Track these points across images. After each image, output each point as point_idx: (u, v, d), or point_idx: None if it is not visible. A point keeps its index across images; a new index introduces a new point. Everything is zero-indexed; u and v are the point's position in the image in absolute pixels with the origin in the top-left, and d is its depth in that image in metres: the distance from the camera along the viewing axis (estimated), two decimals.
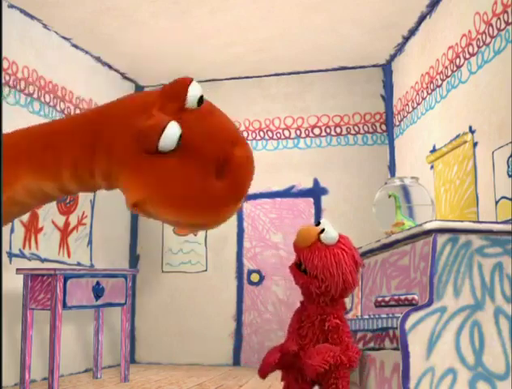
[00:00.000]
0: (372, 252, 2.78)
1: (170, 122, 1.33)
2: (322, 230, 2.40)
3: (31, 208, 1.79)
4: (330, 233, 2.40)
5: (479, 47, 3.55)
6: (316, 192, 5.59)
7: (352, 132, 5.61)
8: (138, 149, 1.35)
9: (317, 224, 2.49)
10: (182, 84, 1.44)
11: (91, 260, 5.16)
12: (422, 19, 4.57)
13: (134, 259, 5.89)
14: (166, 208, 1.37)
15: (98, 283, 4.15)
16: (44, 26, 4.64)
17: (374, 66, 5.62)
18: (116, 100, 1.63)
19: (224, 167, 1.33)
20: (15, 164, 1.62)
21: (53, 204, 4.63)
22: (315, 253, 2.36)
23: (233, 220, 5.68)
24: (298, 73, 5.78)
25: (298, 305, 2.53)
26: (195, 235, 5.74)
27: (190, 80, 1.47)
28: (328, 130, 5.66)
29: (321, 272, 2.33)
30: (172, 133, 1.32)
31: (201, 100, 1.48)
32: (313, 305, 2.41)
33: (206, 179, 1.33)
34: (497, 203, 3.21)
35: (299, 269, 2.43)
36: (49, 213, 4.56)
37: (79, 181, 1.52)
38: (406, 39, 5.00)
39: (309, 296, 2.42)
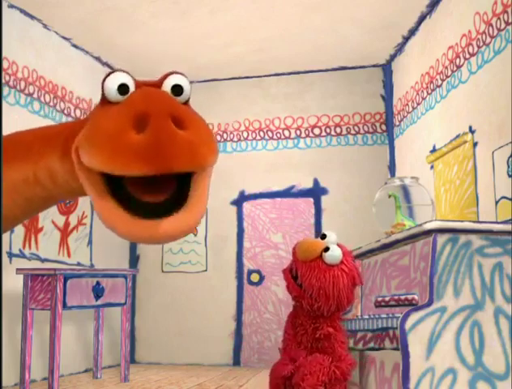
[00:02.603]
0: (372, 252, 2.78)
1: (121, 71, 1.38)
2: (327, 249, 2.33)
3: (51, 197, 1.77)
4: (334, 254, 2.31)
5: (479, 47, 3.55)
6: (316, 192, 5.59)
7: (352, 132, 5.61)
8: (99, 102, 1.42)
9: (323, 236, 2.42)
10: (166, 73, 1.46)
11: (91, 260, 5.16)
12: (422, 19, 4.57)
13: (134, 259, 5.89)
14: (84, 148, 1.37)
15: (98, 283, 4.15)
16: (44, 26, 4.64)
17: (374, 66, 5.62)
18: None
19: (147, 124, 1.29)
20: (44, 142, 1.68)
21: None
22: (314, 271, 2.28)
23: (233, 220, 5.69)
24: (298, 73, 5.78)
25: None
26: (195, 234, 5.74)
27: (174, 72, 1.47)
28: (328, 130, 5.66)
29: (316, 292, 2.27)
30: (113, 77, 1.38)
31: (178, 88, 1.45)
32: (306, 314, 2.37)
33: (121, 126, 1.29)
34: (497, 203, 3.21)
35: (294, 279, 2.38)
36: (49, 213, 4.56)
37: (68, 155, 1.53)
38: (406, 39, 5.00)
39: (301, 306, 2.38)
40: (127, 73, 1.39)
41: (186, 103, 1.48)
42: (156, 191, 1.33)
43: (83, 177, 1.43)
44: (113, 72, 1.38)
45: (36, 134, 1.82)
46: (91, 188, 1.40)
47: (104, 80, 1.38)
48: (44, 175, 1.65)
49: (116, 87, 1.38)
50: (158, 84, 1.44)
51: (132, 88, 1.39)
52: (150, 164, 1.24)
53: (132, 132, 1.27)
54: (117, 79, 1.38)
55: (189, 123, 1.32)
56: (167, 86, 1.43)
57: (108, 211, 1.34)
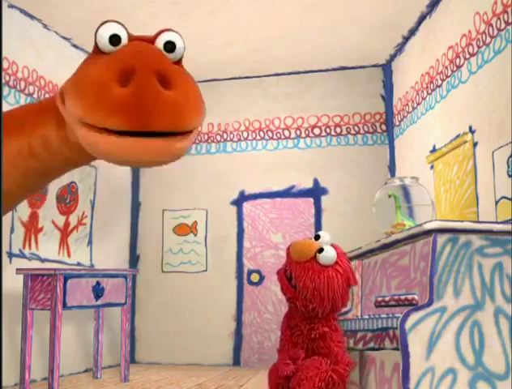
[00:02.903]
0: (372, 252, 2.78)
1: (114, 22, 1.35)
2: (321, 250, 2.32)
3: (46, 168, 1.75)
4: (329, 255, 2.30)
5: (479, 47, 3.55)
6: (316, 192, 5.59)
7: (352, 132, 5.61)
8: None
9: (316, 237, 2.41)
10: (160, 30, 1.44)
11: (91, 260, 5.16)
12: (422, 19, 4.57)
13: (134, 259, 5.89)
14: (70, 95, 1.36)
15: (98, 283, 4.15)
16: (44, 26, 4.64)
17: (374, 66, 5.62)
18: None
19: (130, 78, 1.27)
20: (38, 113, 1.66)
21: (53, 204, 4.63)
22: (309, 273, 2.27)
23: (233, 220, 5.69)
24: (298, 73, 5.78)
25: None
26: (195, 234, 5.74)
27: (169, 29, 1.45)
28: (328, 130, 5.66)
29: (311, 294, 2.25)
30: (105, 28, 1.36)
31: (170, 45, 1.43)
32: (300, 314, 2.37)
33: (105, 77, 1.27)
34: (497, 203, 3.21)
35: (288, 280, 2.37)
36: (49, 213, 4.56)
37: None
38: (406, 39, 5.00)
39: (295, 307, 2.37)
40: (122, 25, 1.37)
41: (179, 62, 1.44)
42: None
43: (70, 120, 1.40)
44: (107, 21, 1.36)
45: (31, 107, 1.81)
46: (80, 127, 1.35)
47: (97, 29, 1.35)
48: (38, 144, 1.63)
49: (108, 37, 1.35)
50: (151, 40, 1.41)
51: (124, 41, 1.36)
52: (128, 118, 1.21)
53: (116, 85, 1.23)
54: (110, 29, 1.35)
55: (175, 82, 1.28)
56: (159, 42, 1.41)
57: (102, 137, 1.27)
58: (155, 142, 1.25)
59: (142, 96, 1.21)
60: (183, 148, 1.32)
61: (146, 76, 1.23)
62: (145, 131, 1.23)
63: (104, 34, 1.34)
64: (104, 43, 1.34)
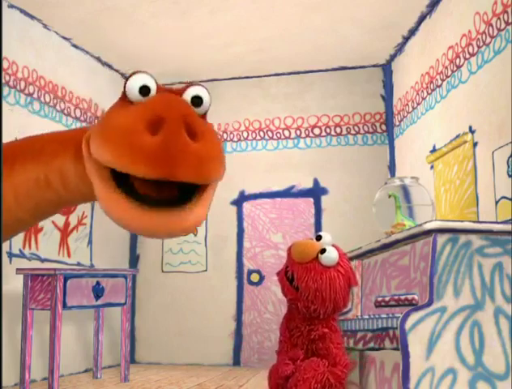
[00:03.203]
0: (372, 252, 2.78)
1: (143, 73, 1.39)
2: (323, 250, 2.32)
3: (62, 201, 1.78)
4: (331, 255, 2.29)
5: (479, 47, 3.55)
6: (316, 192, 5.59)
7: (352, 132, 5.61)
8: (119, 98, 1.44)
9: (318, 237, 2.41)
10: (188, 83, 1.48)
11: (91, 260, 5.16)
12: (422, 19, 4.57)
13: (134, 259, 5.89)
14: (95, 140, 1.39)
15: (98, 283, 4.15)
16: (44, 26, 4.64)
17: (374, 66, 5.62)
18: None
19: (160, 127, 1.30)
20: (58, 144, 1.70)
21: None
22: (311, 273, 2.27)
23: (233, 219, 5.69)
24: (298, 73, 5.78)
25: None
26: (195, 235, 5.74)
27: (196, 84, 1.49)
28: (328, 130, 5.66)
29: (313, 295, 2.25)
30: (137, 78, 1.40)
31: (197, 99, 1.48)
32: (301, 315, 2.36)
33: (135, 125, 1.31)
34: (497, 203, 3.21)
35: (289, 281, 2.36)
36: None
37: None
38: (406, 39, 5.00)
39: (296, 308, 2.37)
40: (151, 76, 1.41)
41: (204, 116, 1.49)
42: (160, 192, 1.34)
43: (91, 168, 1.44)
44: (137, 72, 1.40)
45: (51, 136, 1.84)
46: (98, 180, 1.41)
47: (127, 79, 1.40)
48: (55, 178, 1.66)
49: (138, 88, 1.39)
50: (180, 92, 1.46)
51: (153, 91, 1.40)
52: (156, 167, 1.24)
53: (145, 133, 1.28)
54: (140, 79, 1.40)
55: (201, 135, 1.33)
56: (188, 95, 1.46)
57: (117, 203, 1.34)
58: (171, 214, 1.31)
59: (170, 146, 1.25)
60: (200, 219, 1.39)
61: (175, 126, 1.28)
62: (170, 180, 1.27)
63: (135, 85, 1.39)
64: (134, 93, 1.38)
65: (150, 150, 1.24)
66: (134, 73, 1.39)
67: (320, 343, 2.29)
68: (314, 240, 2.40)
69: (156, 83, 1.42)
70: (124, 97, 1.42)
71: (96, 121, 1.58)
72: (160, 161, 1.24)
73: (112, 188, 1.35)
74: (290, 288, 2.33)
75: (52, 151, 1.68)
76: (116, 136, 1.30)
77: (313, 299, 2.26)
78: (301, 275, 2.28)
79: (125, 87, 1.39)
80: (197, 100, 1.46)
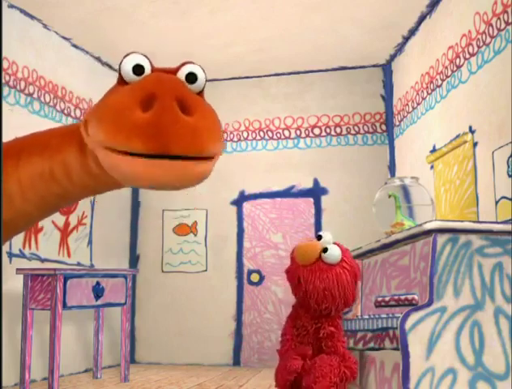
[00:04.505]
0: (372, 252, 2.78)
1: (139, 53, 1.42)
2: (325, 249, 2.33)
3: (68, 195, 1.80)
4: (334, 253, 2.30)
5: (479, 47, 3.55)
6: (316, 192, 5.59)
7: (352, 132, 5.61)
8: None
9: (318, 237, 2.41)
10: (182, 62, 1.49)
11: (91, 260, 5.16)
12: (422, 19, 4.57)
13: (134, 259, 5.89)
14: (93, 122, 1.42)
15: (98, 283, 4.15)
16: (44, 26, 4.64)
17: (374, 66, 5.62)
18: None
19: (153, 104, 1.33)
20: (61, 137, 1.72)
21: None
22: (316, 274, 2.28)
23: (233, 219, 5.69)
24: (298, 73, 5.78)
25: None
26: (195, 234, 5.74)
27: (191, 62, 1.49)
28: (328, 130, 5.66)
29: (322, 294, 2.26)
30: (130, 58, 1.43)
31: (192, 77, 1.48)
32: (308, 314, 2.37)
33: (129, 102, 1.34)
34: (497, 203, 3.21)
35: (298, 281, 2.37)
36: None
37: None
38: (406, 39, 5.00)
39: (301, 306, 2.38)
40: (145, 56, 1.43)
41: (200, 93, 1.49)
42: None
43: (92, 146, 1.46)
44: (131, 53, 1.42)
45: (56, 131, 1.87)
46: (103, 152, 1.41)
47: (122, 60, 1.42)
48: (59, 170, 1.68)
49: (131, 67, 1.41)
50: (174, 71, 1.47)
51: (148, 71, 1.42)
52: (149, 141, 1.26)
53: (138, 110, 1.29)
54: (134, 59, 1.42)
55: (195, 109, 1.33)
56: (181, 74, 1.47)
57: (126, 161, 1.32)
58: (178, 163, 1.30)
59: (162, 120, 1.26)
60: (205, 172, 1.37)
61: (166, 101, 1.29)
62: (165, 155, 1.28)
63: (128, 64, 1.40)
64: (128, 73, 1.40)
65: (141, 125, 1.25)
66: (128, 53, 1.41)
67: (328, 341, 2.30)
68: (315, 240, 2.40)
69: (151, 63, 1.43)
70: (120, 80, 1.44)
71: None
72: (152, 136, 1.25)
73: (116, 153, 1.33)
74: (298, 287, 2.34)
75: (56, 145, 1.70)
76: (109, 115, 1.32)
77: (322, 298, 2.27)
78: (307, 277, 2.29)
79: (120, 68, 1.41)
80: (191, 77, 1.45)
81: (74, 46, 5.06)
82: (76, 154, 1.63)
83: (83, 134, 1.49)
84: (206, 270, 5.72)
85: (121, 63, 1.40)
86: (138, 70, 1.39)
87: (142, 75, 1.40)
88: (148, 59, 1.41)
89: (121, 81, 1.42)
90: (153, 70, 1.42)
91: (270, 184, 5.68)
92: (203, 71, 1.49)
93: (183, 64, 1.48)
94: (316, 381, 2.18)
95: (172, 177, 1.33)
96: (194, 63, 1.50)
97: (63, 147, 1.68)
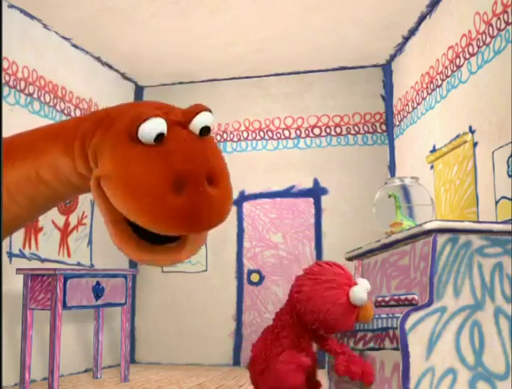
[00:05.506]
0: (372, 252, 2.78)
1: (158, 117, 1.40)
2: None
3: (58, 195, 1.82)
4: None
5: (479, 47, 3.55)
6: (316, 192, 5.59)
7: (352, 132, 5.61)
8: (126, 131, 1.44)
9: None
10: (195, 108, 1.50)
11: (91, 260, 5.16)
12: (422, 19, 4.57)
13: None
14: (117, 191, 1.41)
15: (98, 283, 4.15)
16: (44, 26, 4.64)
17: (374, 66, 5.62)
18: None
19: (185, 187, 1.36)
20: (46, 140, 1.74)
21: None
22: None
23: (233, 219, 5.69)
24: (298, 73, 5.78)
25: None
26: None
27: (205, 109, 1.51)
28: (328, 130, 5.66)
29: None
30: (153, 125, 1.41)
31: (206, 131, 1.50)
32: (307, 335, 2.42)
33: (162, 184, 1.37)
34: (497, 203, 3.21)
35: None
36: (48, 213, 4.54)
37: (85, 159, 1.57)
38: (406, 39, 5.00)
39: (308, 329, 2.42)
40: (163, 117, 1.43)
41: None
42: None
43: (103, 203, 1.50)
44: (151, 117, 1.41)
45: (38, 132, 1.87)
46: (111, 220, 1.50)
47: (139, 123, 1.40)
48: (47, 173, 1.68)
49: (154, 137, 1.43)
50: (187, 121, 1.49)
51: (165, 131, 1.44)
52: (187, 227, 1.38)
53: (171, 194, 1.37)
54: (157, 127, 1.41)
55: (219, 180, 1.44)
56: (196, 126, 1.50)
57: (127, 242, 1.46)
58: (174, 249, 1.50)
59: (197, 205, 1.36)
60: (189, 255, 1.59)
61: (198, 184, 1.45)
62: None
63: (151, 132, 1.40)
64: (150, 139, 1.41)
65: (179, 212, 1.34)
66: (146, 117, 1.40)
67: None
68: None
69: (166, 120, 1.44)
70: (134, 137, 1.43)
71: (105, 161, 1.53)
72: (190, 221, 1.36)
73: (126, 232, 1.45)
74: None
75: (41, 148, 1.71)
76: (141, 195, 1.37)
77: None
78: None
79: (137, 130, 1.40)
80: (206, 130, 1.49)
81: (74, 46, 5.06)
82: (63, 156, 1.63)
83: (93, 187, 1.51)
84: (206, 270, 5.72)
85: (139, 125, 1.39)
86: (159, 136, 1.42)
87: (161, 138, 1.43)
88: (164, 119, 1.41)
89: (136, 139, 1.42)
90: (169, 125, 1.43)
91: (270, 184, 5.68)
92: (212, 116, 1.54)
93: (195, 113, 1.50)
94: (355, 364, 2.24)
95: (163, 262, 1.56)
96: (205, 109, 1.53)
97: (48, 150, 1.68)
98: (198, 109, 1.50)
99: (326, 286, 2.27)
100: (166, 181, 1.36)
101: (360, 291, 2.25)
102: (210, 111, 1.52)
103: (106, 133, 1.50)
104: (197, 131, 1.48)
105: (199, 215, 1.35)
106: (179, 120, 1.47)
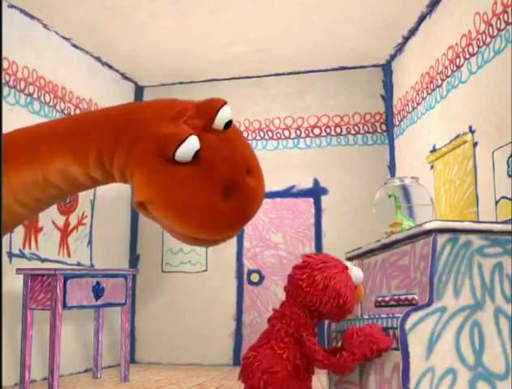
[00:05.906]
0: (372, 252, 2.78)
1: (191, 136, 1.43)
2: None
3: (66, 194, 1.87)
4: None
5: (479, 47, 3.55)
6: (316, 192, 5.59)
7: (352, 132, 5.61)
8: (157, 153, 1.45)
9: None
10: (214, 105, 1.54)
11: (91, 260, 5.16)
12: (422, 19, 4.57)
13: (134, 259, 5.89)
14: (166, 213, 1.44)
15: (98, 283, 4.15)
16: (44, 26, 4.64)
17: (374, 66, 5.62)
18: (148, 102, 1.83)
19: (232, 191, 1.43)
20: (50, 146, 1.74)
21: None
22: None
23: None
24: (298, 73, 5.78)
25: None
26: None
27: (223, 103, 1.56)
28: (328, 130, 5.66)
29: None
30: (190, 146, 1.44)
31: (229, 123, 1.56)
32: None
33: (212, 197, 1.42)
34: (497, 203, 3.21)
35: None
36: (48, 213, 4.56)
37: (101, 168, 1.60)
38: (406, 39, 5.00)
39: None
40: (195, 134, 1.48)
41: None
42: None
43: (159, 223, 1.64)
44: (185, 139, 1.45)
45: (38, 135, 1.86)
46: (174, 233, 1.74)
47: (175, 146, 1.44)
48: (55, 177, 1.69)
49: (192, 156, 1.47)
50: (208, 121, 1.55)
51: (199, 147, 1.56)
52: (238, 229, 1.55)
53: (223, 203, 1.45)
54: (192, 147, 1.47)
55: (255, 169, 1.61)
56: (219, 124, 1.57)
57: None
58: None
59: (244, 208, 1.50)
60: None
61: (243, 184, 1.53)
62: None
63: (188, 152, 1.47)
64: (187, 158, 1.48)
65: (228, 218, 1.46)
66: (184, 139, 1.44)
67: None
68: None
69: (195, 133, 1.50)
70: (170, 159, 1.46)
71: (144, 187, 1.52)
72: (240, 223, 1.52)
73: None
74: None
75: (45, 155, 1.71)
76: (199, 215, 1.45)
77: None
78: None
79: (174, 152, 1.43)
80: (229, 123, 1.63)
81: (74, 46, 5.06)
82: (73, 164, 1.64)
83: (147, 216, 1.60)
84: (206, 270, 5.72)
85: (176, 148, 1.43)
86: (196, 154, 1.50)
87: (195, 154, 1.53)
88: (195, 134, 1.50)
89: (172, 161, 1.47)
90: (200, 137, 1.53)
91: (270, 184, 5.65)
92: (229, 106, 1.70)
93: (217, 109, 1.55)
94: (378, 336, 2.13)
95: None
96: (224, 103, 1.59)
97: (55, 158, 1.69)
98: (217, 107, 1.53)
99: (335, 271, 2.24)
100: (216, 194, 1.43)
101: (358, 270, 2.30)
102: (226, 103, 1.58)
103: (131, 154, 1.51)
104: (221, 128, 1.53)
105: (249, 209, 1.49)
106: (200, 125, 1.50)
